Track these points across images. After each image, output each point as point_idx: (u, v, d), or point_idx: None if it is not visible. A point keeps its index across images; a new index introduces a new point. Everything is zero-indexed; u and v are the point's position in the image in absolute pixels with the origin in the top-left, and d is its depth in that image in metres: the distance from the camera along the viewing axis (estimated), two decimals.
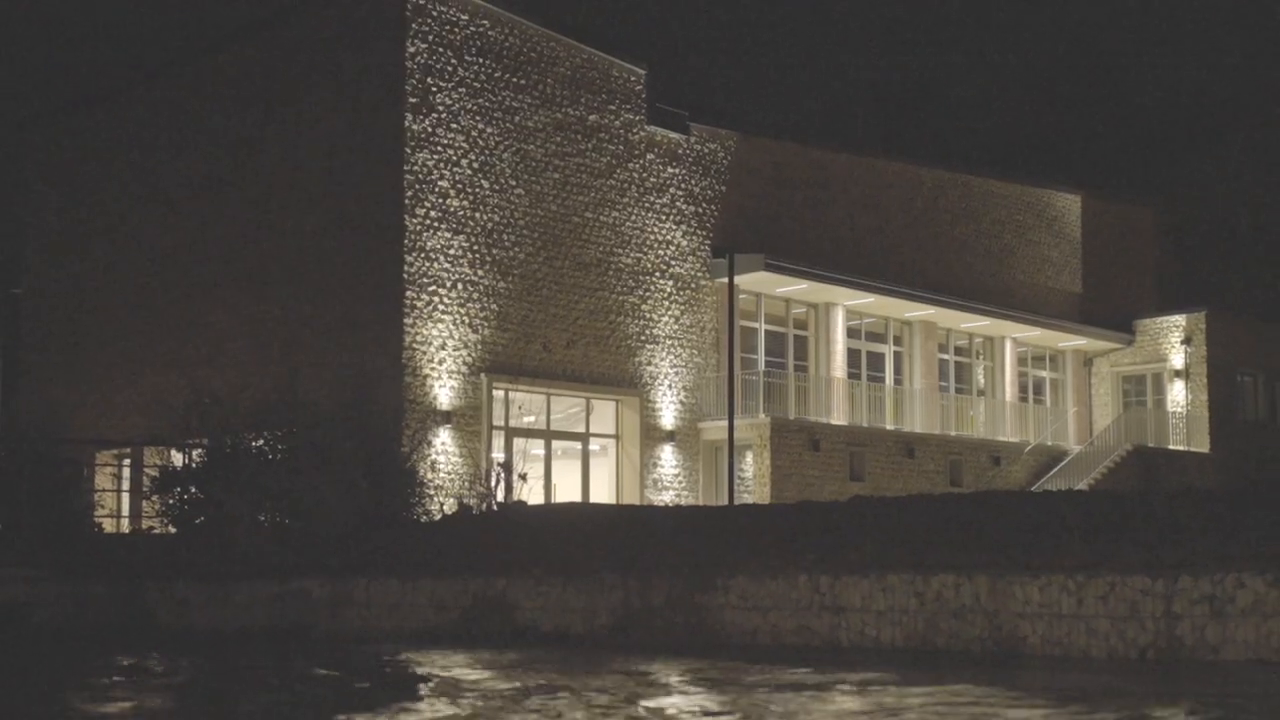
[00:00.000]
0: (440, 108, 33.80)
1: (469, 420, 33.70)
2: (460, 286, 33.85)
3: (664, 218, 38.72)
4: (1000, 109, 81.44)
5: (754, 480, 38.12)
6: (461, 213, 34.03)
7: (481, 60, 34.75)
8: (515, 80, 35.44)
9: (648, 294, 38.09)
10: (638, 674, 15.30)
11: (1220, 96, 78.24)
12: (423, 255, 33.20)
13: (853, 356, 44.12)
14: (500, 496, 31.67)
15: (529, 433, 36.43)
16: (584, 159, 36.88)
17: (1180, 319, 52.05)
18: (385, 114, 33.55)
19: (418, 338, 32.96)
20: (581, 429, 37.52)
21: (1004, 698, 12.59)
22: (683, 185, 39.34)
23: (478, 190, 34.41)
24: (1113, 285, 54.18)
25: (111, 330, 41.57)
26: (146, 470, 32.97)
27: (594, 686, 14.06)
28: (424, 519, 29.52)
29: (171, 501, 28.42)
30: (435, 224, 33.49)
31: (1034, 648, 16.23)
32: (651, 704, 12.61)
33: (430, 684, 15.16)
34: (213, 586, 24.44)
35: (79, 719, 13.42)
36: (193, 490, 28.32)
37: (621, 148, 37.82)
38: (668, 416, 38.27)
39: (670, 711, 12.23)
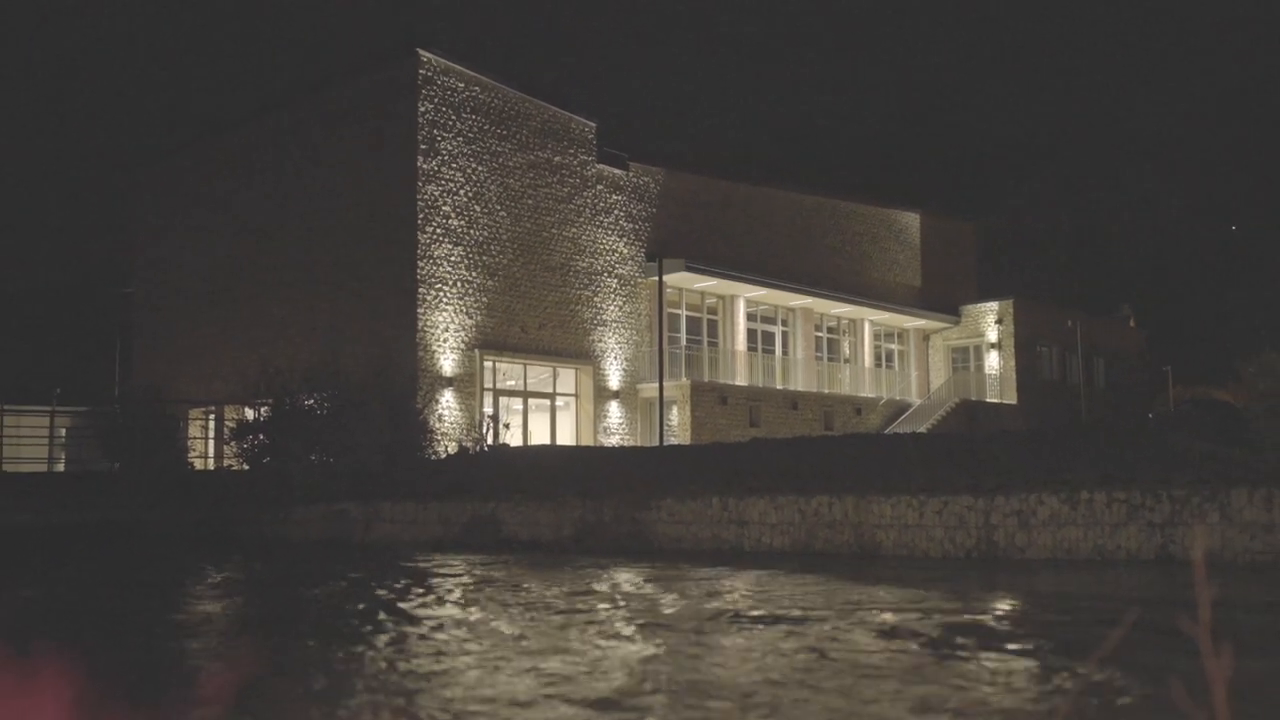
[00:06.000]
0: (444, 152, 33.92)
1: (466, 384, 33.88)
2: (459, 284, 34.03)
3: (610, 232, 38.96)
4: (860, 146, 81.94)
5: (678, 427, 38.35)
6: (459, 229, 34.18)
7: (474, 116, 34.91)
8: (499, 131, 35.59)
9: (598, 289, 38.34)
10: (596, 565, 15.72)
11: (1026, 135, 79.01)
12: (431, 261, 33.37)
13: (751, 334, 44.45)
14: (490, 440, 31.84)
15: (510, 393, 36.67)
16: (550, 189, 37.04)
17: (994, 305, 52.62)
18: (402, 156, 33.51)
19: (427, 323, 33.15)
20: (550, 390, 37.66)
21: (825, 578, 12.98)
22: (624, 208, 39.58)
23: (471, 213, 34.55)
24: (944, 280, 54.66)
25: (200, 319, 41.48)
26: (226, 423, 33.15)
27: (559, 574, 14.49)
28: (433, 457, 29.49)
29: (245, 446, 28.40)
30: (440, 238, 33.64)
31: (888, 550, 16.22)
32: (607, 579, 13.08)
33: (451, 572, 15.53)
34: (276, 509, 24.47)
35: (205, 573, 13.90)
36: (261, 437, 28.33)
37: (578, 180, 37.99)
38: (614, 380, 38.55)
39: (620, 584, 12.64)
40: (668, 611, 10.44)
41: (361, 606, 11.42)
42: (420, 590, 12.94)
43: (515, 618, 10.14)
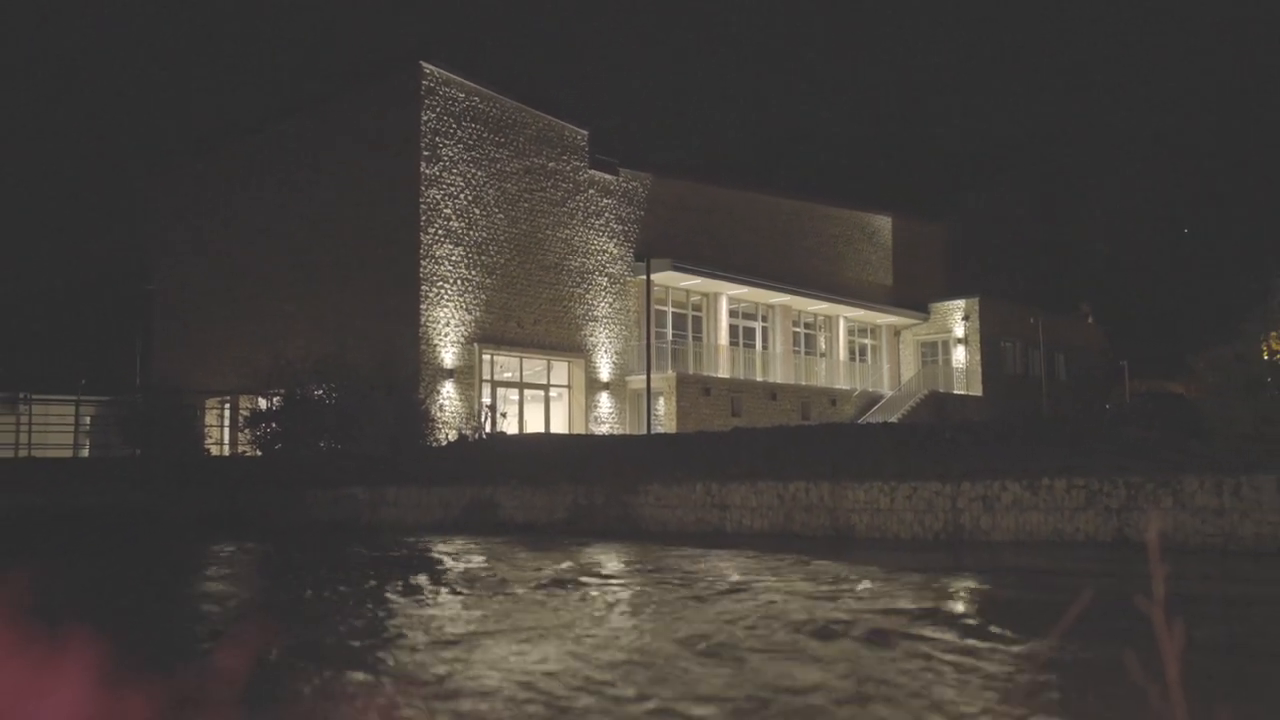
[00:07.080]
0: (445, 158, 33.97)
1: (465, 375, 33.93)
2: (459, 282, 34.08)
3: (601, 234, 39.03)
4: (836, 150, 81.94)
5: (665, 416, 38.49)
6: (460, 231, 34.23)
7: (474, 125, 34.94)
8: (497, 138, 35.64)
9: (590, 287, 38.42)
10: (581, 545, 15.78)
11: (992, 144, 79.16)
12: (433, 261, 33.42)
13: (733, 330, 44.54)
14: (488, 429, 32.00)
15: (507, 384, 36.73)
16: (545, 193, 37.10)
17: (961, 303, 52.76)
18: (406, 162, 33.59)
19: (429, 318, 33.20)
20: (544, 381, 37.74)
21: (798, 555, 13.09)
22: (614, 211, 39.66)
23: (471, 215, 34.61)
24: (914, 279, 54.78)
25: (216, 315, 41.43)
26: (240, 412, 33.16)
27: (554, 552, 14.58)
28: (435, 445, 29.55)
29: (258, 434, 28.47)
30: (441, 239, 33.69)
31: (861, 532, 16.19)
32: (596, 559, 13.17)
33: (451, 549, 15.63)
34: (288, 493, 24.45)
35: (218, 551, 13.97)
36: (273, 426, 28.40)
37: (571, 185, 38.06)
38: (604, 372, 38.63)
39: (606, 566, 12.73)
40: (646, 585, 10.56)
41: (353, 580, 11.53)
42: (417, 566, 13.06)
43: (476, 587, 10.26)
